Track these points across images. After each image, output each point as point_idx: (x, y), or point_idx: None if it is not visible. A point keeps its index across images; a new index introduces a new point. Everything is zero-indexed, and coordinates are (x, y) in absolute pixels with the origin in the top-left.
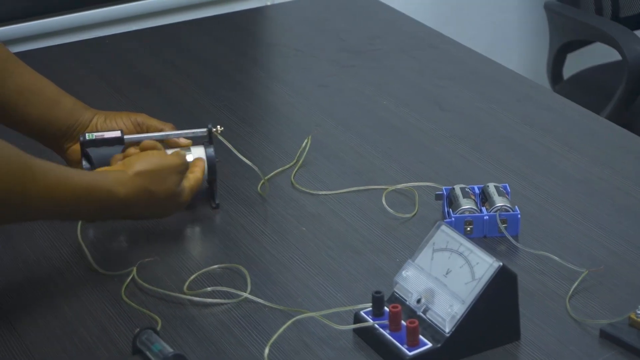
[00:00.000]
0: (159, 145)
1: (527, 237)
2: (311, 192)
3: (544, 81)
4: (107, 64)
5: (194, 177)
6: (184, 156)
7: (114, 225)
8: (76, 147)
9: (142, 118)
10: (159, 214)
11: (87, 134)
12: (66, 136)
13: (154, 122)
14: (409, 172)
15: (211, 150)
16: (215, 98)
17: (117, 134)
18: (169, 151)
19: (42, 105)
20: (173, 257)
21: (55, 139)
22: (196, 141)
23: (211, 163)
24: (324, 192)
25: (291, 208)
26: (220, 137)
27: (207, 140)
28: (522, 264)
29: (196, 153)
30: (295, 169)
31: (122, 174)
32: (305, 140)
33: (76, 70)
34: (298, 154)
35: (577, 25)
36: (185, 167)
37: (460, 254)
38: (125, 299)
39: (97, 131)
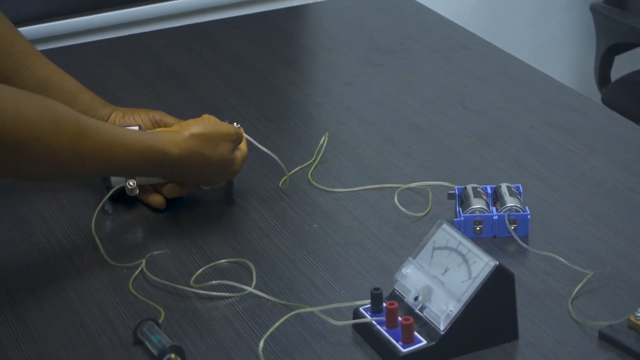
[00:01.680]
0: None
1: (537, 237)
2: (327, 189)
3: (592, 83)
4: (140, 60)
5: (243, 150)
6: (238, 128)
7: (129, 219)
8: None
9: (160, 115)
10: (209, 180)
11: None
12: None
13: (170, 119)
14: (426, 171)
15: None
16: (243, 95)
17: (136, 129)
18: None
19: (60, 98)
20: (183, 251)
21: None
22: None
23: None
24: (339, 190)
25: (305, 204)
26: (244, 135)
27: None
28: (529, 265)
29: None
30: (314, 166)
31: (177, 134)
32: (323, 138)
33: (110, 67)
34: (316, 151)
35: (623, 27)
36: (239, 137)
37: (459, 252)
38: (132, 290)
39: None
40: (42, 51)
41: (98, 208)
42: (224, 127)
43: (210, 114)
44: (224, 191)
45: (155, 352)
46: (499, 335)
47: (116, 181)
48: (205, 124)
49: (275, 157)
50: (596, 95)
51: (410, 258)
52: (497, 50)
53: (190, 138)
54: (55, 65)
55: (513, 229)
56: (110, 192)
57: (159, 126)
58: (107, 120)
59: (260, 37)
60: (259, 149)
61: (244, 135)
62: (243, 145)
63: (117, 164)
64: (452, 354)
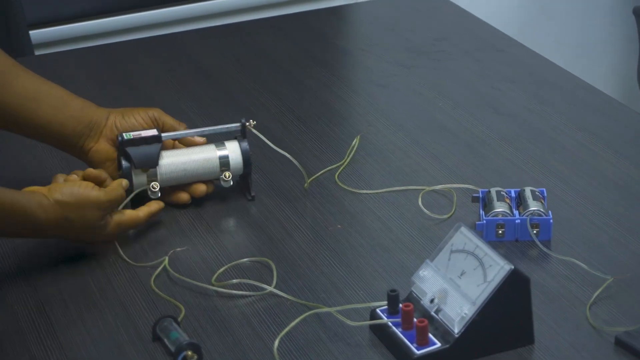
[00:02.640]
0: (103, 175)
1: (560, 242)
2: (353, 190)
3: (635, 86)
4: (175, 59)
5: (131, 215)
6: (117, 193)
7: (154, 222)
8: (99, 146)
9: (158, 113)
10: (80, 241)
11: (124, 134)
12: (84, 137)
13: (168, 118)
14: (452, 174)
15: (245, 144)
16: (275, 95)
17: (154, 132)
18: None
19: (51, 107)
20: (206, 249)
21: (71, 141)
22: (230, 135)
23: (245, 156)
24: (365, 191)
25: (330, 205)
26: (254, 131)
27: (239, 135)
28: (549, 269)
29: (230, 147)
30: (341, 168)
31: (44, 198)
32: (355, 140)
33: (146, 65)
34: (347, 153)
35: None
36: (112, 204)
37: (475, 255)
38: (153, 287)
39: (117, 129)
40: (80, 49)
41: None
42: (92, 194)
43: (241, 113)
44: (242, 186)
45: (172, 348)
46: (514, 339)
47: (138, 184)
48: (72, 191)
49: (292, 159)
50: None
51: (427, 260)
52: (530, 52)
53: (55, 204)
54: (42, 77)
55: (535, 233)
56: (132, 195)
57: (158, 124)
58: (105, 123)
59: (295, 37)
60: (283, 149)
61: (254, 131)
62: (139, 212)
63: None
64: (466, 357)
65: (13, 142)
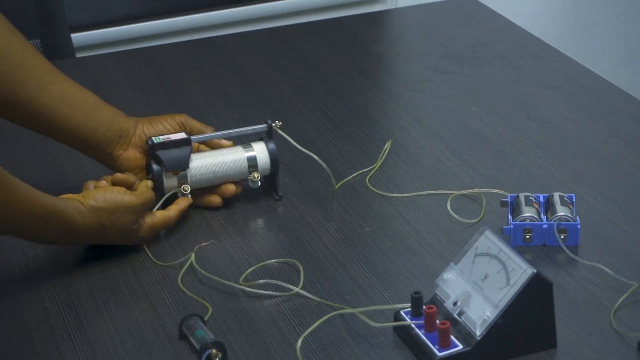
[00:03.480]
0: (132, 178)
1: (587, 247)
2: (383, 193)
3: None
4: (213, 62)
5: (163, 215)
6: (148, 196)
7: (182, 223)
8: (128, 154)
9: (184, 118)
10: (115, 243)
11: (153, 138)
12: (114, 144)
13: (195, 123)
14: (483, 179)
15: (272, 144)
16: (310, 99)
17: (183, 135)
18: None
19: (84, 112)
20: (235, 249)
21: (101, 147)
22: (257, 136)
23: (272, 157)
24: (395, 195)
25: (360, 208)
26: (280, 132)
27: (266, 136)
28: (575, 274)
29: (257, 148)
30: (372, 171)
31: (81, 205)
32: (387, 144)
33: (185, 68)
34: (379, 157)
35: None
36: (144, 207)
37: (499, 259)
38: (181, 286)
39: (146, 136)
40: (120, 52)
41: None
42: (125, 199)
43: (275, 116)
44: (270, 187)
45: (197, 346)
46: (537, 342)
47: (169, 187)
48: (106, 196)
49: (318, 159)
50: None
51: (452, 263)
52: (568, 60)
53: (91, 210)
54: (76, 82)
55: (562, 239)
56: (164, 198)
57: (185, 129)
58: (134, 131)
59: (333, 41)
60: (314, 151)
61: (280, 132)
62: (170, 212)
63: (11, 221)
64: (488, 359)
65: (53, 147)
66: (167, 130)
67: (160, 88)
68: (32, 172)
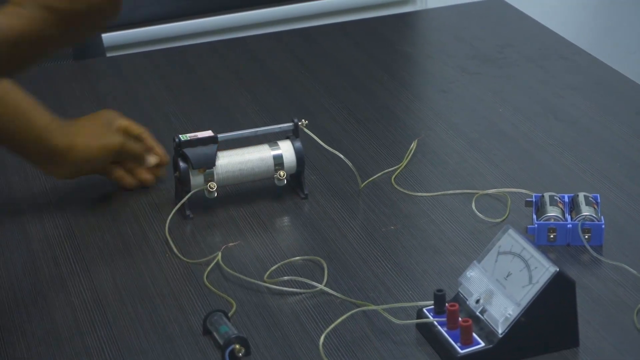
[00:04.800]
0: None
1: (612, 247)
2: (408, 192)
3: None
4: (242, 62)
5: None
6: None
7: (210, 219)
8: None
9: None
10: (85, 149)
11: (181, 136)
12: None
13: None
14: (509, 179)
15: (298, 143)
16: (337, 98)
17: (210, 133)
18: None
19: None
20: (260, 247)
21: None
22: (283, 135)
23: (299, 155)
24: (420, 194)
25: (385, 207)
26: (306, 130)
27: (292, 134)
28: (599, 274)
29: (283, 146)
30: (398, 170)
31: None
32: (413, 143)
33: (213, 68)
34: (405, 157)
35: None
36: (120, 151)
37: (522, 257)
38: (206, 283)
39: None
40: (150, 52)
41: (174, 210)
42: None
43: (302, 115)
44: (295, 185)
45: (221, 341)
46: (559, 341)
47: (195, 184)
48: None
49: (343, 158)
50: None
51: (475, 262)
52: (596, 61)
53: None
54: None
55: (587, 238)
56: (189, 194)
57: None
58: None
59: (361, 42)
60: (341, 150)
61: (306, 131)
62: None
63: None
64: (509, 357)
65: None
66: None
67: (189, 87)
68: None
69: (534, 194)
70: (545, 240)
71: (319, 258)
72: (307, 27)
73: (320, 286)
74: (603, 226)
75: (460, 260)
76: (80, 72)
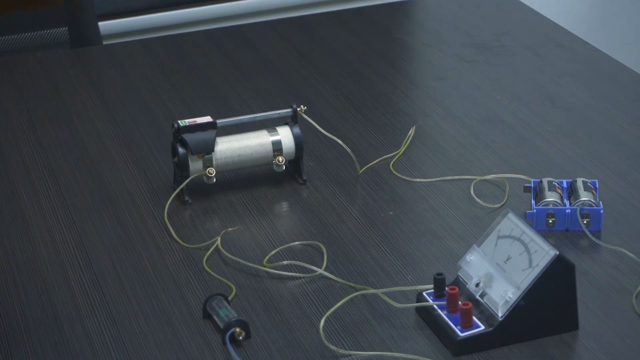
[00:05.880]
0: None
1: (610, 233)
2: (406, 178)
3: None
4: (239, 50)
5: None
6: None
7: (209, 205)
8: None
9: None
10: None
11: (180, 121)
12: None
13: None
14: (506, 164)
15: (297, 129)
16: (334, 86)
17: (209, 119)
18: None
19: None
20: (259, 232)
21: None
22: (282, 121)
23: (297, 141)
24: (418, 180)
25: (384, 192)
26: (305, 116)
27: (291, 120)
28: (598, 258)
29: (282, 132)
30: (397, 157)
31: None
32: (411, 130)
33: (210, 56)
34: (403, 143)
35: None
36: None
37: (522, 241)
38: (206, 267)
39: None
40: (147, 39)
41: (173, 195)
42: None
43: (300, 103)
44: (294, 171)
45: (221, 325)
46: (558, 324)
47: (194, 170)
48: None
49: (342, 143)
50: None
51: (475, 245)
52: (594, 50)
53: None
54: None
55: (585, 223)
56: (188, 180)
57: None
58: None
59: (358, 31)
60: (339, 137)
61: (305, 117)
62: None
63: None
64: (509, 340)
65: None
66: None
67: (186, 75)
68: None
69: (532, 180)
70: (544, 226)
71: (318, 243)
72: (303, 15)
73: (320, 270)
74: (602, 211)
75: (459, 245)
76: (77, 60)
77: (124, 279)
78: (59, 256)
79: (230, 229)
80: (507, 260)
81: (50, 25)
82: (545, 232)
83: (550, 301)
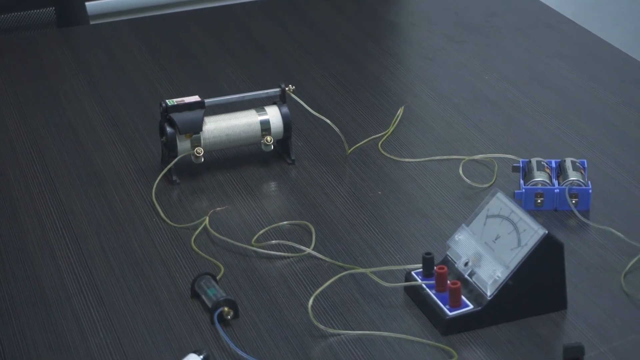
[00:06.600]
0: None
1: (599, 212)
2: (395, 158)
3: None
4: (226, 30)
5: None
6: None
7: (197, 185)
8: None
9: None
10: None
11: (167, 101)
12: None
13: None
14: (495, 144)
15: (285, 108)
16: (323, 66)
17: (197, 98)
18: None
19: None
20: (248, 211)
21: None
22: (270, 100)
23: (285, 121)
24: (407, 160)
25: (372, 172)
26: (293, 96)
27: (279, 100)
28: (587, 238)
29: (270, 112)
30: (385, 136)
31: None
32: (399, 110)
33: (198, 36)
34: (392, 123)
35: None
36: None
37: (510, 220)
38: (194, 247)
39: None
40: (134, 19)
41: (161, 175)
42: None
43: (288, 82)
44: (282, 151)
45: (209, 304)
46: (547, 303)
47: (182, 149)
48: None
49: (331, 123)
50: None
51: (463, 225)
52: (583, 30)
53: None
54: None
55: (574, 203)
56: (176, 159)
57: None
58: None
59: (346, 11)
60: (328, 118)
61: (293, 96)
62: None
63: None
64: (498, 319)
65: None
66: None
67: (174, 55)
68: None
69: (521, 160)
70: (533, 205)
71: (306, 222)
72: None
73: (308, 250)
74: (590, 191)
75: (447, 224)
76: (64, 40)
77: (111, 259)
78: (47, 236)
79: (218, 209)
80: (495, 239)
81: (36, 5)
82: (534, 212)
83: (539, 280)
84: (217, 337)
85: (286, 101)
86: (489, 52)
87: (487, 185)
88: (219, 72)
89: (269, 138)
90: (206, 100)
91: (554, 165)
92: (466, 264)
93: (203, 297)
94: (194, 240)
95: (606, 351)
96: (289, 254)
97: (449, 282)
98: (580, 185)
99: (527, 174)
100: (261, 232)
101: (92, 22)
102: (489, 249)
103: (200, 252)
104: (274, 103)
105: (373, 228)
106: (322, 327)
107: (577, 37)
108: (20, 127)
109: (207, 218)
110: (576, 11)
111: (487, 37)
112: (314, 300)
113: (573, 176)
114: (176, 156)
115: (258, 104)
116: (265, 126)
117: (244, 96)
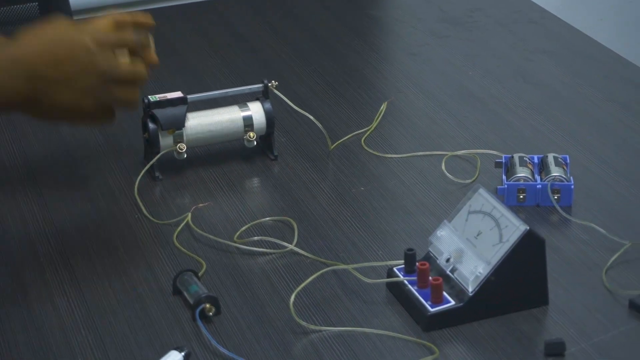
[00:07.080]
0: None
1: (581, 208)
2: (378, 154)
3: None
4: (211, 25)
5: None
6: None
7: (179, 181)
8: None
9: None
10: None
11: (150, 97)
12: None
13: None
14: (478, 140)
15: (268, 104)
16: (307, 62)
17: (180, 94)
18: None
19: None
20: (230, 207)
21: None
22: (253, 96)
23: (268, 116)
24: (390, 155)
25: (355, 168)
26: (276, 92)
27: (262, 95)
28: (569, 234)
29: (253, 108)
30: (368, 132)
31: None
32: (382, 106)
33: (182, 31)
34: (375, 119)
35: None
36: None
37: (492, 216)
38: (176, 243)
39: None
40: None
41: (143, 171)
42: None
43: (272, 78)
44: (265, 147)
45: (191, 301)
46: (529, 299)
47: (164, 145)
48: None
49: (314, 119)
50: None
51: (445, 221)
52: (566, 26)
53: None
54: None
55: (556, 199)
56: (158, 155)
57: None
58: None
59: (329, 6)
60: (311, 113)
61: (276, 92)
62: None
63: None
64: (479, 315)
65: None
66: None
67: (158, 50)
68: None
69: (503, 155)
70: (515, 201)
71: (289, 219)
72: None
73: (291, 246)
74: (572, 187)
75: (430, 220)
76: None
77: (93, 256)
78: (28, 233)
79: (200, 205)
80: (477, 235)
81: (19, 0)
82: (516, 208)
83: (521, 276)
84: (198, 334)
85: (269, 97)
86: (473, 47)
87: (469, 181)
88: (203, 68)
89: (251, 134)
90: (189, 96)
91: (536, 160)
92: (448, 260)
93: (185, 293)
94: (176, 236)
95: (587, 347)
96: (272, 250)
97: (430, 278)
98: (562, 181)
99: (509, 169)
100: (243, 228)
101: (75, 18)
102: (470, 245)
103: (182, 249)
104: (257, 99)
105: (355, 224)
106: (303, 323)
107: (561, 32)
108: (1, 123)
109: (190, 214)
110: (560, 6)
111: (471, 32)
112: (296, 296)
113: (555, 172)
114: (158, 152)
115: (241, 100)
116: (248, 122)
117: (226, 92)
